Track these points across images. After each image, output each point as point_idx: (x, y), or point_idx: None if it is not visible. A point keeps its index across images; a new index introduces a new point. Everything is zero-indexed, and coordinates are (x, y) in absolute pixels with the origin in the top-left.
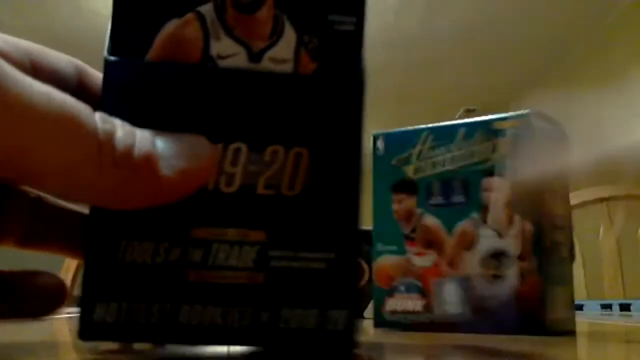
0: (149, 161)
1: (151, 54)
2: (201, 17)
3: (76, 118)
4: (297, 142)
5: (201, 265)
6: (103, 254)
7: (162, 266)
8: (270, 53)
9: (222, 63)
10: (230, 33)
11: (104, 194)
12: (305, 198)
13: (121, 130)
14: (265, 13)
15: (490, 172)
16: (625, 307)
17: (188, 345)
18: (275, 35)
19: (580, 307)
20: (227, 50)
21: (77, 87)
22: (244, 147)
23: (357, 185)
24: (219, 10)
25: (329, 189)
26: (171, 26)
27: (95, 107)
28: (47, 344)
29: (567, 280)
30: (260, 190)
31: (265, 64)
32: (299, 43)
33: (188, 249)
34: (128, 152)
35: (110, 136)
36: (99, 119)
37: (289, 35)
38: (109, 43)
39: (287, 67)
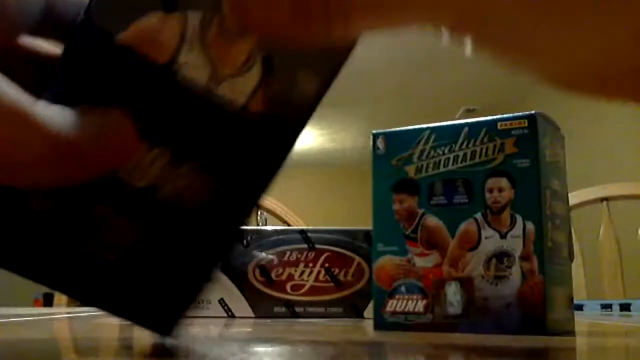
0: (84, 151)
1: (123, 36)
2: (185, 23)
3: (25, 116)
4: (214, 169)
5: (90, 235)
6: (17, 201)
7: (61, 223)
8: (231, 81)
9: (185, 71)
10: (204, 48)
11: (44, 179)
12: (196, 217)
13: (63, 120)
14: (244, 46)
15: (495, 172)
16: (625, 307)
17: (57, 291)
18: (245, 68)
19: (580, 307)
20: (194, 62)
21: (45, 9)
22: (167, 153)
23: (238, 232)
24: (204, 24)
25: (218, 221)
26: (153, 18)
27: (59, 33)
28: (46, 342)
29: (567, 280)
30: (163, 195)
31: (222, 88)
32: (260, 84)
33: (86, 219)
34: (68, 143)
35: (53, 131)
36: (43, 114)
37: (255, 73)
38: (86, 9)
39: (240, 100)
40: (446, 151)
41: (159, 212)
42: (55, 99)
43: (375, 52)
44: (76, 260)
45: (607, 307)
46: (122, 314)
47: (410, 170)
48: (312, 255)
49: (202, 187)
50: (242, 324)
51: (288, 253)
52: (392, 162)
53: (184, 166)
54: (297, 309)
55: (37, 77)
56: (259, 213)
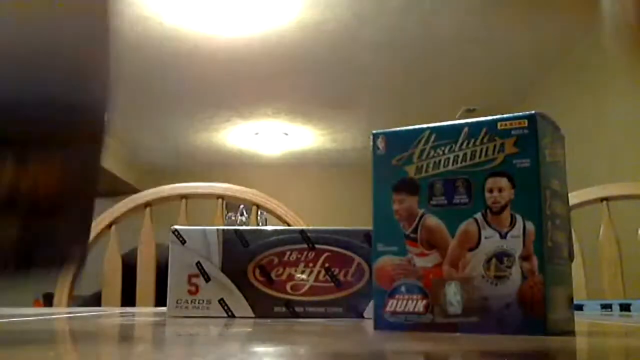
0: None
1: None
2: None
3: None
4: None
5: None
6: None
7: None
8: None
9: None
10: None
11: None
12: (55, 197)
13: None
14: None
15: (495, 172)
16: (625, 307)
17: None
18: None
19: (580, 307)
20: None
21: None
22: (9, 161)
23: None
24: None
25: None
26: None
27: None
28: (48, 337)
29: (567, 280)
30: (23, 192)
31: None
32: None
33: None
34: None
35: None
36: None
37: None
38: None
39: None
40: (446, 151)
41: (25, 204)
42: None
43: (375, 52)
44: None
45: (607, 307)
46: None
47: (410, 170)
48: (312, 255)
49: (50, 173)
50: (242, 324)
51: (288, 253)
52: (392, 162)
53: (30, 162)
54: (297, 309)
55: None
56: (259, 213)
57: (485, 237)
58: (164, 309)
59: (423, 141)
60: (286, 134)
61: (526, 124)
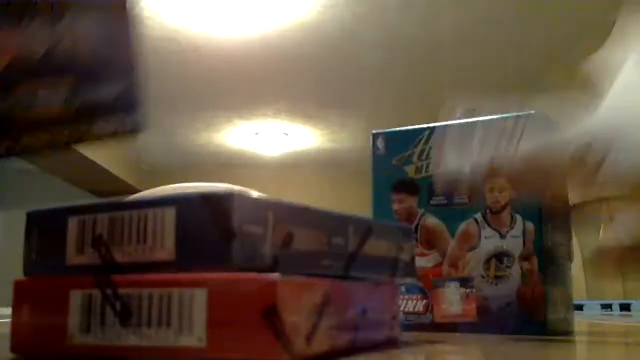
0: None
1: None
2: None
3: None
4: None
5: (29, 109)
6: None
7: None
8: None
9: None
10: None
11: None
12: (96, 52)
13: None
14: None
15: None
16: (625, 307)
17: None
18: None
19: (580, 307)
20: None
21: None
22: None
23: (131, 49)
24: None
25: (111, 44)
26: None
27: None
28: None
29: (567, 280)
30: (64, 48)
31: None
32: None
33: (15, 99)
34: None
35: None
36: None
37: None
38: None
39: None
40: None
41: (71, 62)
42: None
43: (375, 52)
44: None
45: (607, 307)
46: None
47: (410, 170)
48: None
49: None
50: None
51: None
52: (392, 162)
53: (62, 21)
54: None
55: None
56: None
57: (485, 237)
58: None
59: (423, 141)
60: (286, 134)
61: (525, 123)
